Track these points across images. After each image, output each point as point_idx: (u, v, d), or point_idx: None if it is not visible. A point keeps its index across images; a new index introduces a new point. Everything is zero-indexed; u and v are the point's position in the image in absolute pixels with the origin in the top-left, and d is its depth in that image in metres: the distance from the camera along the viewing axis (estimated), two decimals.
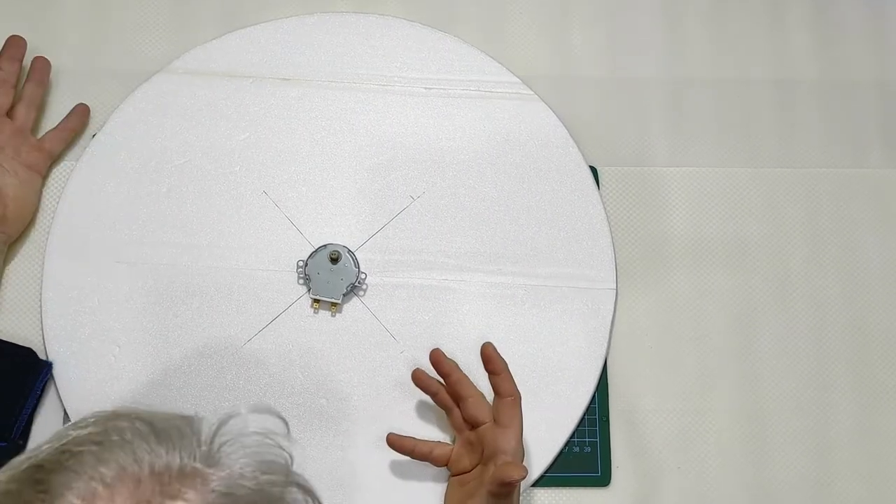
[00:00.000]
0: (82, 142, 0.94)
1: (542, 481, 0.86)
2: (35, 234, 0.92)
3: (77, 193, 0.92)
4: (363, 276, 0.89)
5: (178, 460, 0.44)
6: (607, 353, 0.89)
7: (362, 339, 0.88)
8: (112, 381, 0.86)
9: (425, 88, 0.95)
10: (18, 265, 0.91)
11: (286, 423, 0.54)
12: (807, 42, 1.00)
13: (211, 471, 0.44)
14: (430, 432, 0.86)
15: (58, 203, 0.92)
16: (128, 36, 0.98)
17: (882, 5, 1.01)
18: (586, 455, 0.87)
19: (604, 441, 0.88)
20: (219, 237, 0.90)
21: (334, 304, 0.88)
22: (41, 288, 0.89)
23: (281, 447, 0.49)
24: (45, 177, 0.92)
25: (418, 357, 0.87)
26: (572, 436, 0.87)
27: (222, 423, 0.47)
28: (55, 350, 0.87)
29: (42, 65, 0.94)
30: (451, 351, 0.87)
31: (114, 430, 0.44)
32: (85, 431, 0.44)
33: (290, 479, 0.47)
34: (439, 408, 0.83)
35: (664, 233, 0.94)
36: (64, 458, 0.43)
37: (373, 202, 0.92)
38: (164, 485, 0.42)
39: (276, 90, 0.95)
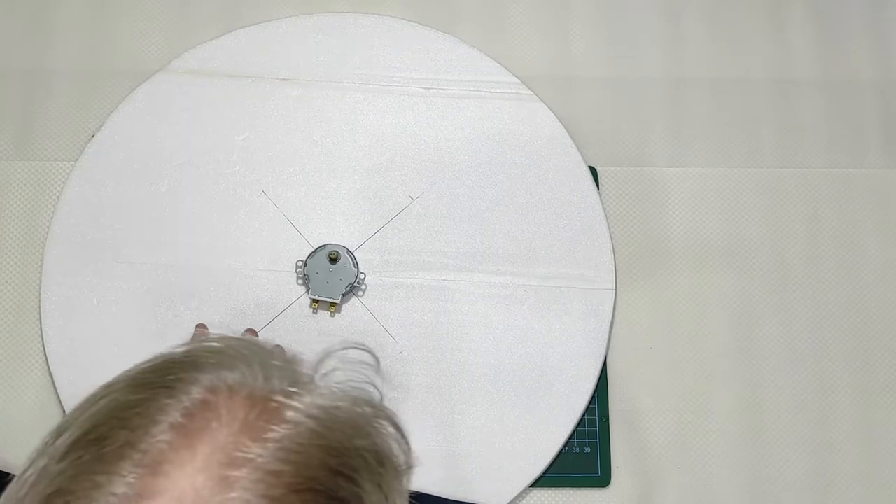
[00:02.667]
0: (81, 142, 0.94)
1: (542, 481, 0.86)
2: (34, 234, 0.92)
3: (76, 193, 0.92)
4: (362, 276, 0.89)
5: (288, 378, 0.47)
6: (607, 353, 0.89)
7: (361, 340, 0.88)
8: None
9: (424, 89, 0.95)
10: (17, 265, 0.91)
11: (376, 358, 0.57)
12: (807, 42, 1.00)
13: (318, 389, 0.47)
14: (430, 433, 0.86)
15: (57, 203, 0.92)
16: (128, 36, 0.98)
17: (882, 5, 1.01)
18: (586, 455, 0.87)
19: (604, 441, 0.87)
20: (218, 237, 0.90)
21: (333, 305, 0.88)
22: (40, 288, 0.89)
23: (372, 382, 0.51)
24: None
25: (417, 357, 0.87)
26: (572, 436, 0.87)
27: (322, 359, 0.50)
28: (54, 350, 0.87)
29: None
30: (450, 351, 0.87)
31: (233, 347, 0.48)
32: (210, 345, 0.48)
33: (385, 413, 0.49)
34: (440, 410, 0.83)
35: (664, 233, 0.94)
36: (194, 360, 0.46)
37: (372, 202, 0.92)
38: (278, 391, 0.45)
39: (275, 90, 0.95)
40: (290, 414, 0.44)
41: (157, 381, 0.45)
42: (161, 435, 0.41)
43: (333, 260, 0.88)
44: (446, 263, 0.90)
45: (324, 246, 0.89)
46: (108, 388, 0.46)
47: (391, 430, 0.49)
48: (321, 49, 0.96)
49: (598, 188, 0.93)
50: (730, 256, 0.93)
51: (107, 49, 0.98)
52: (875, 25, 1.00)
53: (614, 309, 0.90)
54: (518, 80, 0.96)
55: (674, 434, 0.88)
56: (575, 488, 0.87)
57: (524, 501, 0.86)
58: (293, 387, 0.46)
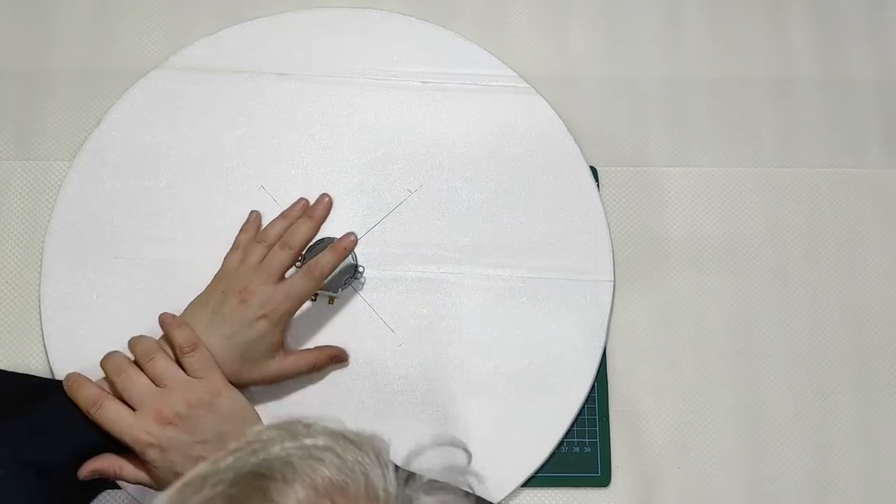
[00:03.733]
0: (79, 138, 0.93)
1: (541, 481, 0.86)
2: (34, 233, 0.91)
3: (74, 189, 0.91)
4: (361, 269, 0.89)
5: (384, 484, 0.45)
6: (605, 346, 0.89)
7: (360, 333, 0.88)
8: None
9: (422, 82, 0.95)
10: (17, 263, 0.91)
11: (469, 455, 0.55)
12: (807, 42, 1.00)
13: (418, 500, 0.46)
14: (429, 426, 0.85)
15: (55, 199, 0.91)
16: (128, 36, 0.98)
17: (882, 5, 1.01)
18: (586, 455, 0.86)
19: (604, 441, 0.87)
20: (217, 232, 0.90)
21: (332, 298, 0.88)
22: (39, 284, 0.89)
23: (468, 483, 0.51)
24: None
25: (417, 349, 0.87)
26: (572, 426, 0.87)
27: (413, 457, 0.51)
28: (54, 345, 0.87)
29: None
30: (448, 343, 0.87)
31: (328, 449, 0.45)
32: (314, 441, 0.46)
33: None
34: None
35: (664, 233, 0.94)
36: (288, 470, 0.44)
37: (370, 196, 0.92)
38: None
39: (272, 85, 0.95)
40: None
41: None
42: None
43: None
44: (445, 256, 0.90)
45: (322, 240, 0.88)
46: (204, 483, 0.44)
47: None
48: (318, 44, 0.96)
49: (599, 188, 0.93)
50: (730, 256, 0.93)
51: (107, 49, 0.98)
52: (875, 25, 1.01)
53: (613, 300, 0.90)
54: (516, 74, 0.96)
55: (674, 434, 0.88)
56: (575, 488, 0.86)
57: (524, 501, 0.85)
58: (390, 501, 0.44)
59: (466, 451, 0.62)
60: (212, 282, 0.83)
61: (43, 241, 0.90)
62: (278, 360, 0.81)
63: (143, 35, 0.98)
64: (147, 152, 0.92)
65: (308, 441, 0.45)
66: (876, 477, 0.88)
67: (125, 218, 0.90)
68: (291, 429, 0.47)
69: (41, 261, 0.89)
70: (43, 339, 0.87)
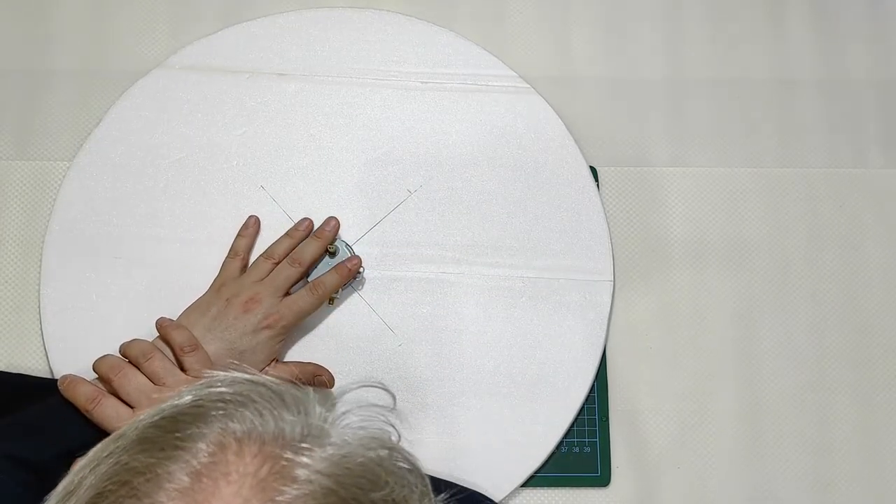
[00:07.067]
0: (79, 138, 0.93)
1: (541, 481, 0.86)
2: (33, 233, 0.91)
3: (74, 190, 0.91)
4: (361, 269, 0.89)
5: (300, 422, 0.46)
6: (605, 345, 0.89)
7: (360, 333, 0.88)
8: None
9: (422, 83, 0.95)
10: (17, 263, 0.91)
11: (393, 397, 0.56)
12: (807, 42, 1.00)
13: (335, 434, 0.46)
14: (429, 426, 0.85)
15: (55, 199, 0.91)
16: (127, 36, 0.98)
17: (882, 5, 1.01)
18: (586, 455, 0.86)
19: (604, 441, 0.87)
20: (216, 232, 0.90)
21: (332, 298, 0.88)
22: (39, 284, 0.89)
23: (389, 422, 0.51)
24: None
25: (417, 350, 0.87)
26: (572, 426, 0.87)
27: (336, 397, 0.49)
28: (54, 345, 0.87)
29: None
30: (448, 343, 0.87)
31: (241, 392, 0.47)
32: (218, 390, 0.47)
33: (402, 455, 0.48)
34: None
35: (664, 233, 0.93)
36: (199, 412, 0.45)
37: (370, 196, 0.92)
38: (288, 444, 0.44)
39: (272, 85, 0.95)
40: (301, 473, 0.43)
41: (163, 440, 0.44)
42: (170, 502, 0.41)
43: (332, 254, 0.88)
44: (445, 256, 0.90)
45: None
46: (115, 444, 0.45)
47: (407, 472, 0.48)
48: (318, 44, 0.96)
49: (598, 188, 0.93)
50: (730, 256, 0.93)
51: (106, 49, 0.98)
52: (875, 25, 1.00)
53: (612, 300, 0.90)
54: (515, 74, 0.96)
55: (674, 434, 0.88)
56: (575, 488, 0.86)
57: (524, 501, 0.86)
58: (305, 440, 0.45)
59: (390, 392, 0.67)
60: (211, 289, 0.85)
61: (42, 242, 0.90)
62: (270, 369, 0.82)
63: (143, 35, 0.98)
64: (147, 152, 0.92)
65: (223, 389, 0.47)
66: (876, 477, 0.88)
67: (125, 218, 0.90)
68: (209, 380, 0.48)
69: (41, 261, 0.89)
70: (43, 339, 0.87)
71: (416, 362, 0.87)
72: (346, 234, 0.90)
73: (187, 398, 0.47)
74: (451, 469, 0.84)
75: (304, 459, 0.43)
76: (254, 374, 0.49)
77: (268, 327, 0.80)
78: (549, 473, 0.86)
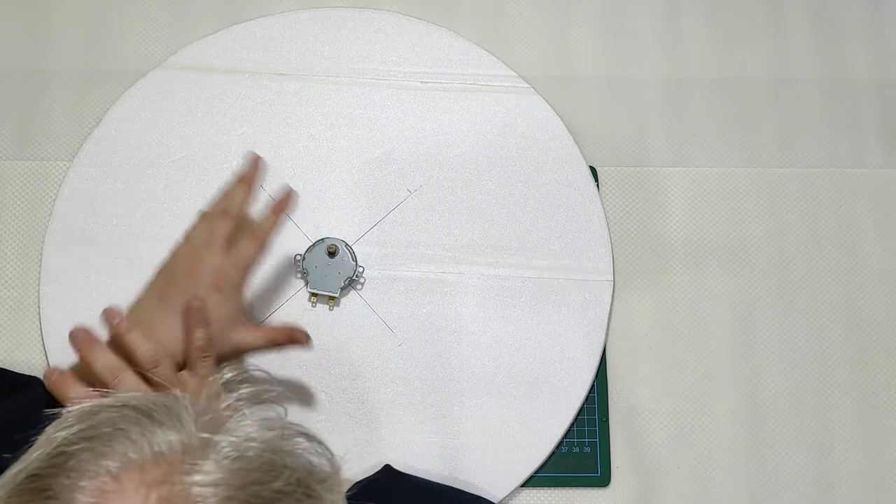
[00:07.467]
0: (79, 138, 0.93)
1: (541, 481, 0.86)
2: (33, 234, 0.91)
3: (74, 190, 0.91)
4: (361, 269, 0.89)
5: (178, 436, 0.43)
6: (605, 345, 0.89)
7: (360, 333, 0.88)
8: None
9: (421, 82, 0.95)
10: (16, 264, 0.91)
11: (269, 374, 0.54)
12: (807, 42, 1.00)
13: (218, 437, 0.43)
14: (429, 426, 0.85)
15: (55, 199, 0.91)
16: (127, 36, 0.98)
17: (882, 5, 1.01)
18: (586, 455, 0.86)
19: (603, 441, 0.87)
20: None
21: (332, 298, 0.88)
22: (39, 284, 0.89)
23: (273, 402, 0.49)
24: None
25: (417, 349, 0.87)
26: (572, 426, 0.87)
27: (212, 398, 0.47)
28: (54, 346, 0.87)
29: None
30: (448, 343, 0.87)
31: (103, 422, 0.43)
32: (73, 430, 0.43)
33: (293, 430, 0.46)
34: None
35: (664, 233, 0.93)
36: (61, 461, 0.42)
37: (370, 196, 0.92)
38: (172, 463, 0.42)
39: (272, 85, 0.95)
40: (195, 491, 0.41)
41: (34, 501, 0.41)
42: None
43: (332, 253, 0.88)
44: (445, 256, 0.90)
45: (322, 240, 0.89)
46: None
47: (305, 444, 0.46)
48: (318, 44, 0.96)
49: (598, 188, 0.93)
50: (730, 256, 0.93)
51: (106, 49, 0.98)
52: (875, 25, 1.00)
53: (612, 300, 0.90)
54: (515, 74, 0.96)
55: (674, 434, 0.88)
56: (575, 488, 0.86)
57: (524, 501, 0.85)
58: (188, 454, 0.42)
59: (261, 370, 0.67)
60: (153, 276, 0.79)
61: (42, 242, 0.90)
62: (242, 333, 0.77)
63: (143, 35, 0.98)
64: (147, 152, 0.92)
65: (78, 427, 0.43)
66: (876, 477, 0.88)
67: (125, 218, 0.90)
68: (57, 422, 0.44)
69: (41, 261, 0.89)
70: (42, 339, 0.87)
71: (417, 362, 0.87)
72: (345, 234, 0.90)
73: (38, 453, 0.42)
74: (451, 469, 0.84)
75: (195, 477, 0.41)
76: (106, 398, 0.45)
77: (216, 288, 0.75)
78: (549, 473, 0.86)
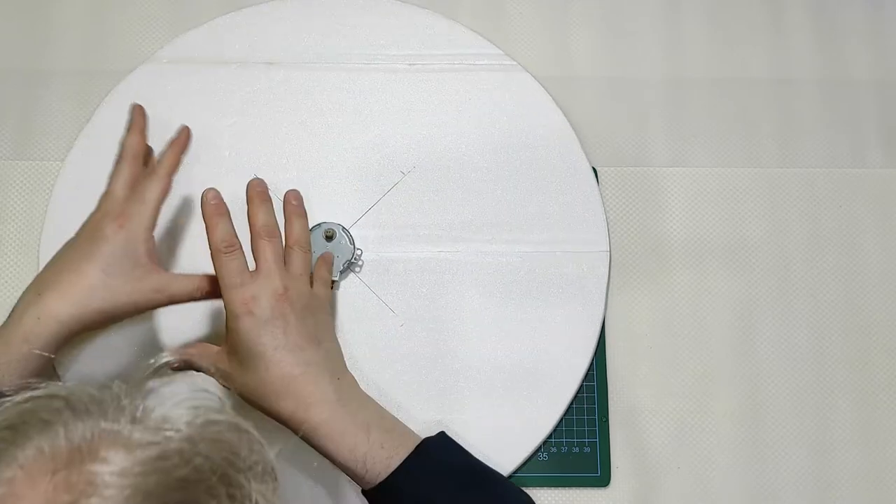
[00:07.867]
0: (70, 136, 0.93)
1: (541, 481, 0.86)
2: (32, 234, 0.91)
3: (68, 188, 0.91)
4: (359, 252, 0.89)
5: (95, 428, 0.43)
6: (605, 317, 0.89)
7: (361, 315, 0.88)
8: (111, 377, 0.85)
9: (408, 64, 0.95)
10: (15, 262, 0.91)
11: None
12: (807, 42, 1.00)
13: (134, 426, 0.44)
14: (433, 404, 0.86)
15: (49, 199, 0.91)
16: (126, 36, 0.98)
17: (882, 5, 1.01)
18: (586, 455, 0.86)
19: (603, 441, 0.87)
20: None
21: (332, 282, 0.87)
22: None
23: (208, 391, 0.49)
24: None
25: (418, 329, 0.88)
26: (574, 399, 0.87)
27: (142, 380, 0.47)
28: None
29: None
30: (449, 321, 0.87)
31: (27, 413, 0.44)
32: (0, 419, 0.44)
33: (223, 421, 0.46)
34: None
35: (664, 233, 0.93)
36: None
37: (364, 179, 0.92)
38: (82, 453, 0.42)
39: (260, 74, 0.95)
40: (105, 480, 0.41)
41: None
42: None
43: (329, 238, 0.88)
44: (441, 235, 0.90)
45: (319, 225, 0.89)
46: None
47: (234, 436, 0.46)
48: (303, 31, 0.96)
49: (598, 189, 0.93)
50: (730, 256, 0.93)
51: (104, 49, 0.98)
52: (875, 25, 1.01)
53: (609, 271, 0.90)
54: (501, 52, 0.96)
55: (674, 434, 0.88)
56: (575, 488, 0.86)
57: None
58: (103, 443, 0.42)
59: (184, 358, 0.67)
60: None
61: (38, 242, 0.90)
62: (156, 278, 0.76)
63: (143, 35, 0.98)
64: None
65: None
66: (876, 477, 0.87)
67: None
68: None
69: (38, 262, 0.89)
70: None
71: (419, 341, 0.87)
72: (342, 218, 0.90)
73: None
74: None
75: (102, 467, 0.41)
76: (37, 389, 0.45)
77: (120, 227, 0.76)
78: (550, 473, 0.86)
